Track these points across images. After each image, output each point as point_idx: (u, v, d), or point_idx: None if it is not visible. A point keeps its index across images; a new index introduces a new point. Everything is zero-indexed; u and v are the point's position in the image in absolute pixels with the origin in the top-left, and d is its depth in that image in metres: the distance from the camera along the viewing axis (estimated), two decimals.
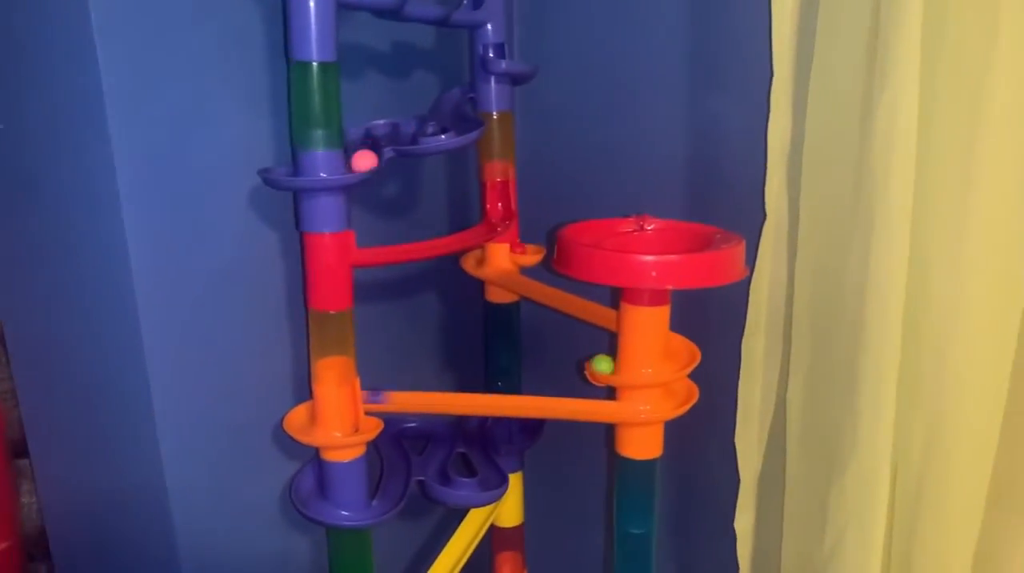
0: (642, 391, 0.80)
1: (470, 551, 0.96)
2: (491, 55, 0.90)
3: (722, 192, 0.96)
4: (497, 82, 0.92)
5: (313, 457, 0.84)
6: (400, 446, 0.95)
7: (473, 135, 0.83)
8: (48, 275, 0.76)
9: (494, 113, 0.93)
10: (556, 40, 1.04)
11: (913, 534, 0.81)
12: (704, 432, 1.01)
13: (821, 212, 0.82)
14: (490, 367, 1.06)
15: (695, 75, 0.95)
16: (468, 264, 0.99)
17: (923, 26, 0.70)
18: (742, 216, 0.88)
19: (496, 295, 1.01)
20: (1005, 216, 0.72)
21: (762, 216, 0.87)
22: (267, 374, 0.82)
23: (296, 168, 0.74)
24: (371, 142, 0.83)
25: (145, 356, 0.70)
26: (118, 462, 0.78)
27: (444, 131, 0.82)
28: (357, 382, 0.80)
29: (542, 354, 1.13)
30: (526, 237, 1.00)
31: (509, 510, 1.08)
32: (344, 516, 0.81)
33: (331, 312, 0.77)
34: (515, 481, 1.06)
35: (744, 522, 0.99)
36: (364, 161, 0.74)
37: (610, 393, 0.82)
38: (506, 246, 0.97)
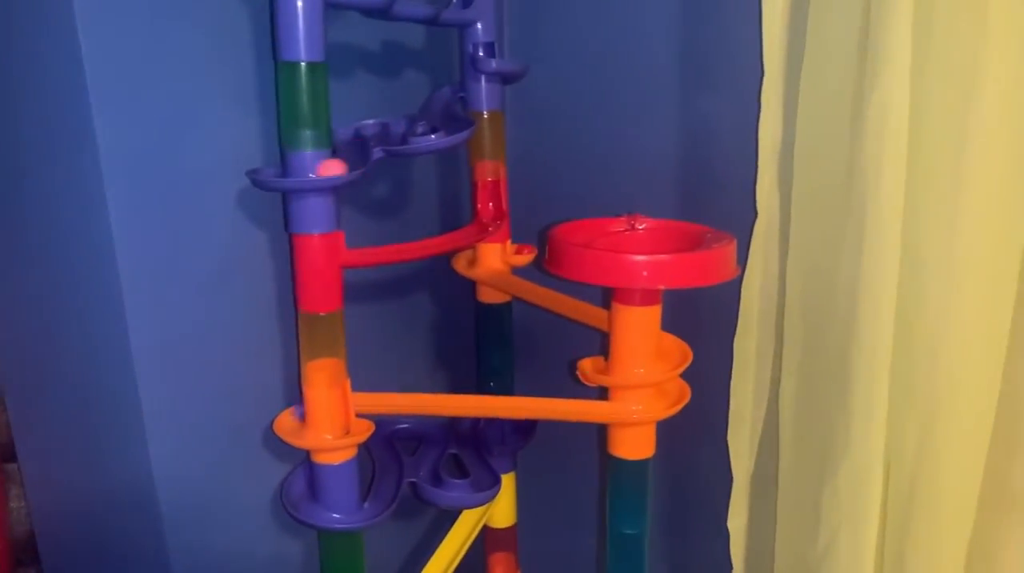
0: (634, 391, 0.79)
1: (463, 552, 0.96)
2: (481, 54, 0.90)
3: (713, 191, 0.95)
4: (487, 81, 0.92)
5: (304, 459, 0.83)
6: (392, 447, 0.94)
7: (463, 135, 0.83)
8: (35, 278, 0.75)
9: (484, 112, 0.92)
10: (547, 39, 1.03)
11: (906, 533, 0.81)
12: (697, 432, 1.01)
13: (812, 211, 0.82)
14: (482, 368, 1.06)
15: (686, 74, 0.95)
16: (459, 264, 0.99)
17: (913, 25, 0.70)
18: (733, 215, 0.88)
19: (487, 295, 1.01)
20: (996, 214, 0.72)
21: (753, 215, 0.87)
22: (257, 376, 0.81)
23: (284, 169, 0.74)
24: (360, 142, 0.82)
25: (133, 359, 0.70)
26: (107, 466, 0.77)
27: (434, 131, 0.81)
28: (348, 384, 0.80)
29: (534, 354, 1.12)
30: (517, 237, 0.99)
31: (502, 511, 1.07)
32: (335, 519, 0.81)
33: (321, 313, 0.77)
34: (508, 482, 1.05)
35: (737, 522, 0.99)
36: (330, 169, 0.73)
37: (602, 393, 0.82)
38: (497, 246, 0.96)
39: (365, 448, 0.87)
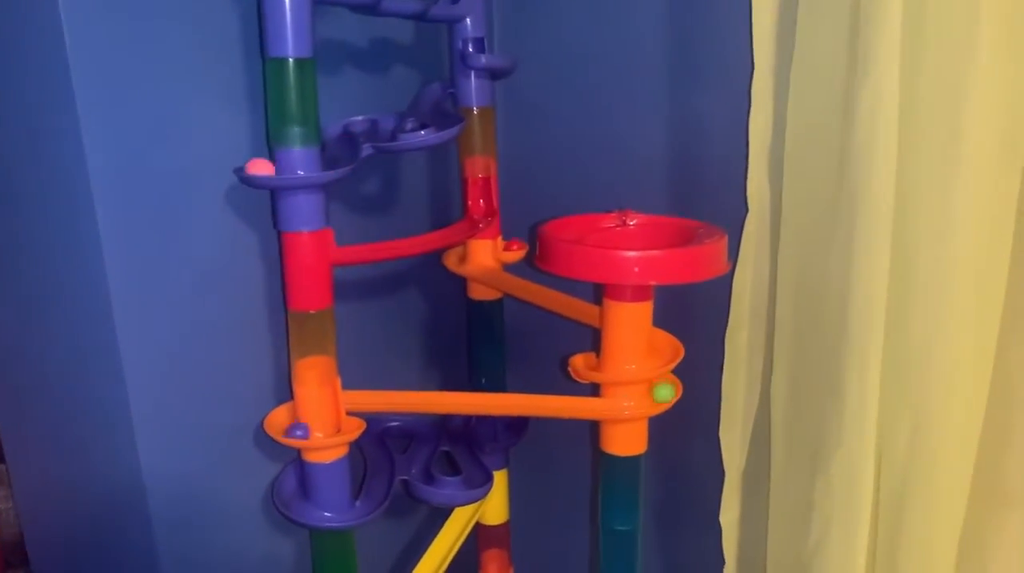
0: (626, 387, 0.79)
1: (455, 549, 0.96)
2: (470, 50, 0.89)
3: (704, 186, 0.95)
4: (477, 77, 0.91)
5: (295, 458, 0.83)
6: (384, 445, 0.94)
7: (453, 131, 0.83)
8: (22, 279, 0.75)
9: (474, 108, 0.92)
10: (536, 34, 1.03)
11: (898, 527, 0.81)
12: (688, 427, 1.01)
13: (804, 205, 0.82)
14: (474, 364, 1.06)
15: (676, 68, 0.95)
16: (450, 261, 0.99)
17: (903, 18, 0.69)
18: (724, 210, 0.88)
19: (479, 292, 1.01)
20: (988, 208, 0.72)
21: (744, 210, 0.87)
22: (247, 375, 0.81)
23: (273, 166, 0.73)
24: (349, 139, 0.82)
25: (122, 358, 0.70)
26: (96, 466, 0.77)
27: (424, 127, 0.81)
28: (338, 382, 0.80)
29: (526, 351, 1.12)
30: (508, 233, 0.99)
31: (494, 508, 1.07)
32: (327, 517, 0.81)
33: (311, 312, 0.76)
34: (500, 479, 1.05)
35: (729, 516, 0.98)
36: (257, 168, 0.73)
37: (594, 390, 0.82)
38: (488, 242, 0.96)
39: (356, 446, 0.86)
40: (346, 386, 0.81)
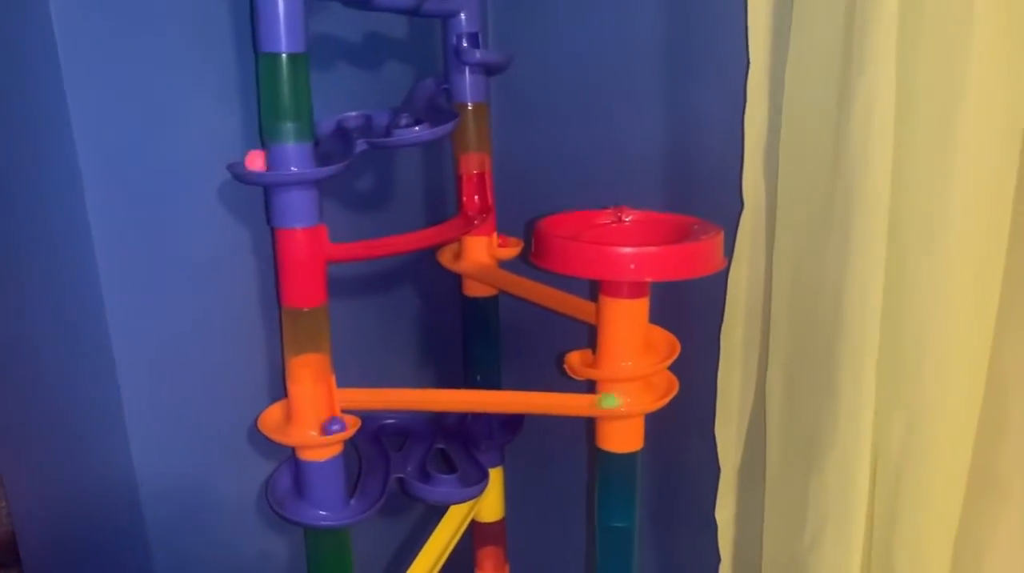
0: (622, 384, 0.79)
1: (451, 547, 0.96)
2: (465, 45, 0.89)
3: (700, 182, 0.95)
4: (471, 72, 0.91)
5: (289, 456, 0.83)
6: (379, 443, 0.94)
7: (448, 127, 0.82)
8: (13, 277, 0.74)
9: (469, 104, 0.91)
10: (531, 29, 1.02)
11: (893, 523, 0.81)
12: (684, 423, 1.01)
13: (799, 201, 0.82)
14: (469, 362, 1.05)
15: (672, 64, 0.94)
16: (445, 258, 0.98)
17: (899, 14, 0.69)
18: (720, 206, 0.88)
19: (473, 289, 1.00)
20: (984, 205, 0.72)
21: (740, 206, 0.87)
22: (241, 373, 0.80)
23: (266, 162, 0.72)
24: (343, 134, 0.81)
25: (114, 357, 0.69)
26: (89, 465, 0.76)
27: (418, 123, 0.80)
28: (333, 380, 0.79)
29: (521, 348, 1.12)
30: (503, 230, 0.99)
31: (490, 505, 1.07)
32: (322, 516, 0.80)
33: (305, 309, 0.76)
34: (496, 476, 1.05)
35: (725, 513, 0.98)
36: (255, 162, 0.72)
37: (590, 386, 0.82)
38: (483, 239, 0.96)
39: (351, 444, 0.86)
40: (341, 384, 0.80)
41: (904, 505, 0.80)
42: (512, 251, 0.97)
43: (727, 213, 0.87)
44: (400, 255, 0.98)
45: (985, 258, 0.74)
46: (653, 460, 1.02)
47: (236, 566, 0.83)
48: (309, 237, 0.74)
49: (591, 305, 0.85)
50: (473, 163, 0.94)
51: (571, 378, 0.81)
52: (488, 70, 0.93)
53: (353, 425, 0.80)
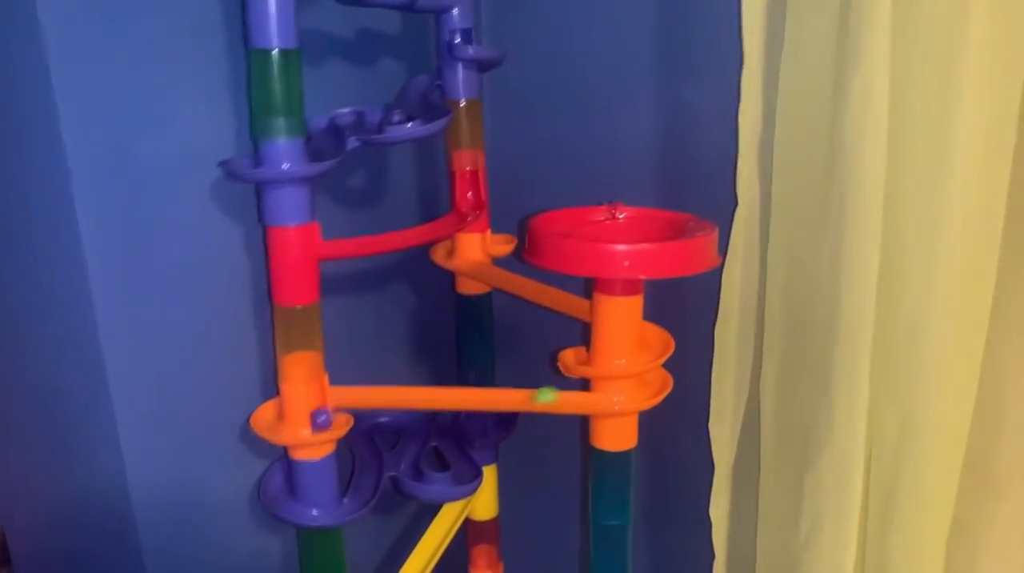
0: (616, 382, 0.79)
1: (444, 545, 0.95)
2: (458, 41, 0.88)
3: (694, 179, 0.95)
4: (464, 68, 0.90)
5: (281, 455, 0.82)
6: (372, 441, 0.93)
7: (441, 123, 0.82)
8: (0, 277, 0.73)
9: (462, 101, 0.91)
10: (525, 25, 1.02)
11: (888, 519, 0.81)
12: (678, 420, 1.01)
13: (793, 198, 0.82)
14: (462, 359, 1.05)
15: (666, 60, 0.94)
16: (438, 255, 0.98)
17: (893, 9, 0.69)
18: (714, 203, 0.88)
19: (467, 286, 1.00)
20: (979, 202, 0.72)
21: (734, 202, 0.87)
22: (233, 371, 0.80)
23: (257, 159, 0.72)
24: (335, 131, 0.81)
25: (104, 356, 0.68)
26: (79, 466, 0.76)
27: (411, 119, 0.80)
28: (325, 378, 0.79)
29: (515, 345, 1.11)
30: (497, 227, 0.98)
31: (484, 503, 1.07)
32: (314, 515, 0.80)
33: (297, 307, 0.75)
34: (489, 474, 1.05)
35: (719, 510, 0.98)
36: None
37: (584, 384, 0.81)
38: (477, 236, 0.95)
39: (344, 443, 0.85)
40: (333, 382, 0.80)
41: (899, 502, 0.80)
42: (505, 248, 0.97)
43: (721, 209, 0.87)
44: (393, 252, 0.97)
45: (980, 255, 0.74)
46: (647, 457, 1.02)
47: (228, 566, 0.83)
48: (301, 235, 0.73)
49: (585, 302, 0.85)
50: (466, 160, 0.93)
51: (565, 376, 0.81)
52: (481, 66, 0.93)
53: (345, 424, 0.79)
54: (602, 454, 0.81)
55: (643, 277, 0.75)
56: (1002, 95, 0.70)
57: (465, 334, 1.03)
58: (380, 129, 0.79)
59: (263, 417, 0.79)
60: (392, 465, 0.89)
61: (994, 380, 0.77)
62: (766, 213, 0.85)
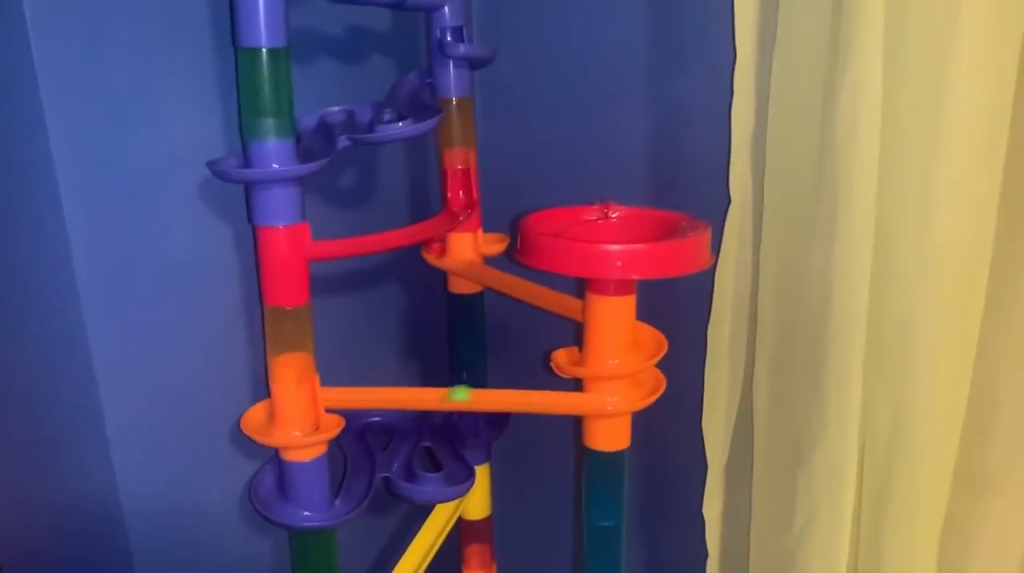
0: (609, 382, 0.78)
1: (437, 545, 0.95)
2: (449, 39, 0.87)
3: (687, 177, 0.95)
4: (455, 67, 0.89)
5: (273, 457, 0.82)
6: (363, 442, 0.93)
7: (432, 122, 0.81)
8: None
9: (453, 99, 0.90)
10: (516, 23, 1.02)
11: (881, 517, 0.81)
12: (671, 419, 1.01)
13: (786, 195, 0.82)
14: (454, 359, 1.04)
15: (659, 58, 0.94)
16: (429, 255, 0.97)
17: (885, 5, 0.69)
18: (707, 201, 0.87)
19: (458, 286, 1.00)
20: (971, 198, 0.72)
21: (727, 200, 0.86)
22: (223, 373, 0.79)
23: (246, 159, 0.71)
24: (325, 130, 0.80)
25: (92, 357, 0.68)
26: (68, 468, 0.75)
27: (401, 118, 0.79)
28: (316, 379, 0.78)
29: (507, 345, 1.11)
30: (489, 225, 0.98)
31: (476, 502, 1.06)
32: (306, 517, 0.79)
33: (287, 308, 0.75)
34: (482, 473, 1.04)
35: (712, 508, 0.99)
36: None
37: (577, 384, 0.81)
38: (468, 235, 0.95)
39: (336, 443, 0.85)
40: (324, 382, 0.79)
41: (892, 500, 0.80)
42: (497, 247, 0.96)
43: (714, 208, 0.86)
44: (384, 252, 0.97)
45: (972, 251, 0.74)
46: (640, 456, 1.01)
47: (219, 568, 0.82)
48: (291, 235, 0.73)
49: (577, 302, 0.85)
50: (458, 158, 0.93)
51: (558, 376, 0.81)
52: (472, 64, 0.92)
53: (337, 425, 0.79)
54: (595, 454, 0.81)
55: (636, 277, 0.74)
56: (994, 92, 0.70)
57: (457, 334, 1.03)
58: (371, 128, 0.79)
59: (254, 419, 0.79)
60: (384, 466, 0.89)
61: (987, 377, 0.78)
62: (759, 210, 0.85)
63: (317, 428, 0.78)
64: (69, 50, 0.62)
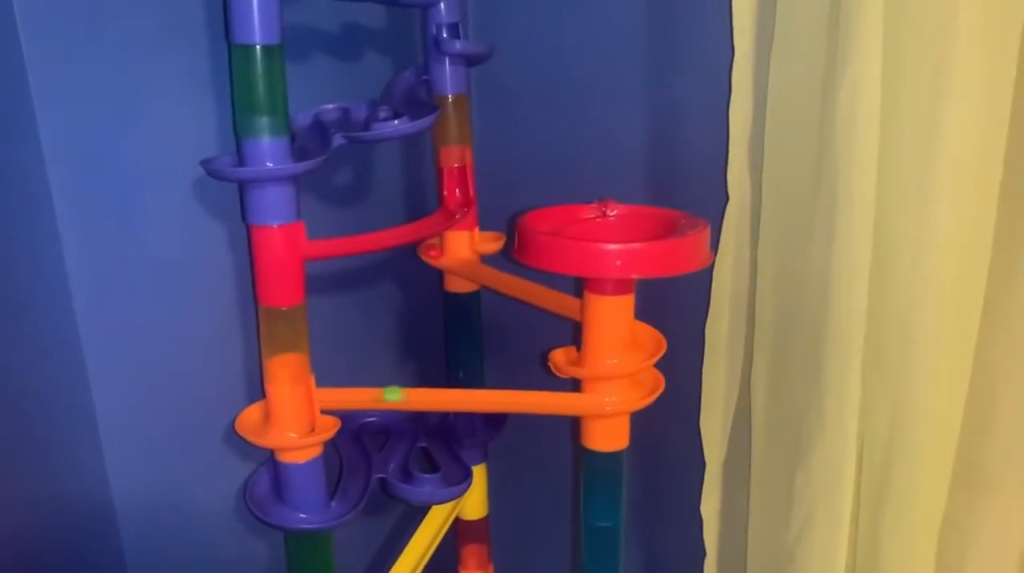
0: (607, 382, 0.78)
1: (434, 546, 0.95)
2: (444, 35, 0.87)
3: (685, 175, 0.94)
4: (451, 64, 0.89)
5: (268, 458, 0.81)
6: (359, 443, 0.92)
7: (428, 120, 0.80)
8: None
9: (449, 96, 0.90)
10: (512, 19, 1.01)
11: (879, 516, 0.81)
12: (668, 417, 1.00)
13: (784, 194, 0.81)
14: (451, 359, 1.04)
15: (656, 55, 0.93)
16: (426, 253, 0.97)
17: (884, 3, 0.69)
18: (705, 199, 0.87)
19: (455, 285, 0.99)
20: (970, 197, 0.71)
21: (725, 198, 0.86)
22: (218, 373, 0.78)
23: (241, 158, 0.70)
24: (320, 128, 0.80)
25: (85, 358, 0.67)
26: (60, 469, 0.74)
27: (397, 116, 0.79)
28: (312, 380, 0.77)
29: (504, 345, 1.11)
30: (486, 224, 0.97)
31: (474, 503, 1.06)
32: (302, 519, 0.79)
33: (282, 308, 0.74)
34: (479, 473, 1.04)
35: (710, 507, 0.98)
36: None
37: (575, 384, 0.80)
38: (465, 234, 0.94)
39: (332, 444, 0.84)
40: (320, 383, 0.79)
41: (890, 498, 0.80)
42: (494, 245, 0.96)
43: (712, 206, 0.86)
44: (380, 251, 0.96)
45: (971, 250, 0.73)
46: (638, 455, 1.01)
47: (214, 570, 0.82)
48: (286, 234, 0.72)
49: (575, 301, 0.84)
50: (454, 156, 0.92)
51: (556, 376, 0.80)
52: (469, 61, 0.92)
53: (333, 426, 0.78)
54: (593, 455, 0.81)
55: (635, 277, 0.74)
56: (994, 90, 0.69)
57: (453, 333, 1.02)
58: (366, 126, 0.78)
59: (249, 420, 0.78)
60: (380, 467, 0.88)
61: (986, 376, 0.77)
62: (757, 209, 0.85)
63: (312, 429, 0.77)
64: (60, 48, 0.61)
